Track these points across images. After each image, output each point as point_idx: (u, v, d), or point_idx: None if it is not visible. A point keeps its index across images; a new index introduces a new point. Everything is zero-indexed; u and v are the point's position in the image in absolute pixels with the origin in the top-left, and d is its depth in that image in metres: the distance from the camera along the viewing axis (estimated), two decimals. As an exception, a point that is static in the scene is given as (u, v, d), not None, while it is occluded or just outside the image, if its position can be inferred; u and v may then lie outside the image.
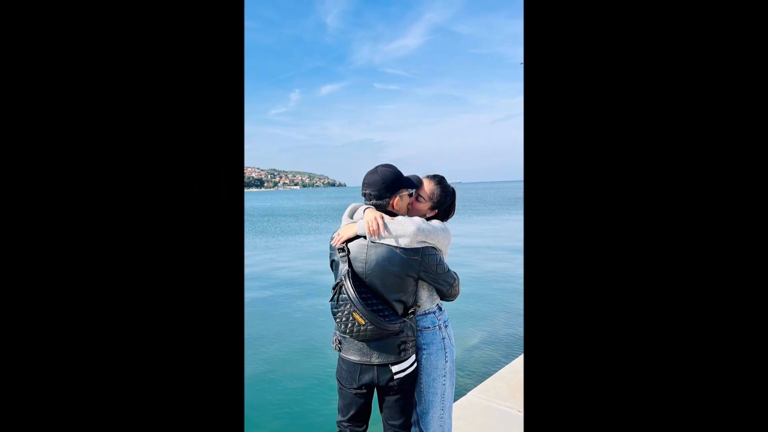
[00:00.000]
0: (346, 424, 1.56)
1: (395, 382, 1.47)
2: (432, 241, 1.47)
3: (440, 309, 1.61)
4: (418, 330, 1.55)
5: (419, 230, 1.44)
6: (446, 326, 1.60)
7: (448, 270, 1.52)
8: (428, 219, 1.58)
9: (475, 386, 2.89)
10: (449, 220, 1.67)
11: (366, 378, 1.49)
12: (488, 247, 12.25)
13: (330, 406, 3.46)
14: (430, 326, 1.56)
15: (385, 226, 1.44)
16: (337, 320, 1.45)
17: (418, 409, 1.58)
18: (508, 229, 16.69)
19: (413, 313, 1.52)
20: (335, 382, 1.60)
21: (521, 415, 2.49)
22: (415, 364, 1.53)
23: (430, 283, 1.52)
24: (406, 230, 1.44)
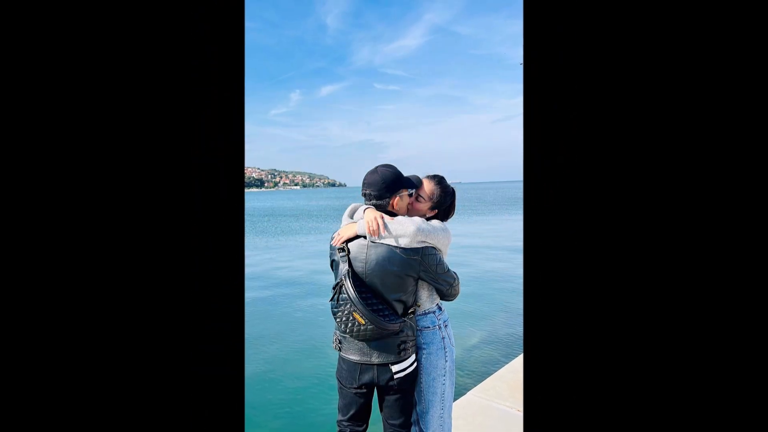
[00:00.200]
0: (346, 423, 1.56)
1: (395, 382, 1.47)
2: (432, 241, 1.47)
3: (440, 309, 1.61)
4: (418, 330, 1.55)
5: (419, 230, 1.44)
6: (446, 326, 1.60)
7: (448, 270, 1.52)
8: (428, 219, 1.58)
9: (475, 386, 2.89)
10: (449, 220, 1.68)
11: (366, 377, 1.49)
12: (488, 247, 12.25)
13: (330, 406, 3.46)
14: (430, 326, 1.57)
15: (385, 226, 1.45)
16: (338, 320, 1.46)
17: (417, 409, 1.58)
18: (508, 229, 16.69)
19: (413, 312, 1.52)
20: (335, 382, 1.60)
21: (521, 414, 2.49)
22: (415, 364, 1.53)
23: (430, 283, 1.52)
24: (406, 230, 1.44)
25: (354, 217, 1.59)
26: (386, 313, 1.43)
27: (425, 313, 1.57)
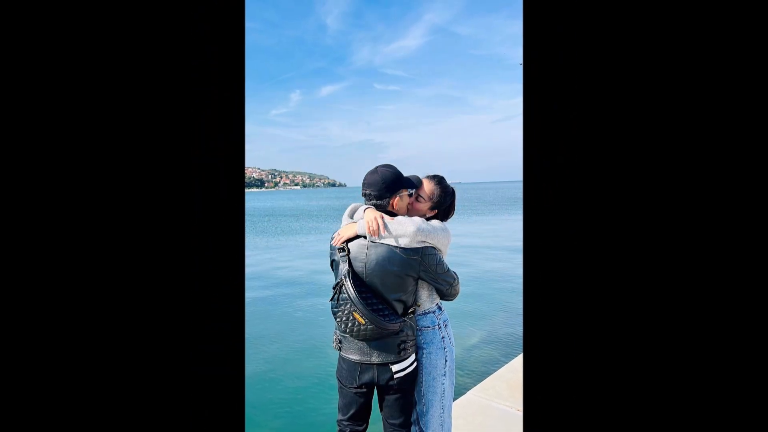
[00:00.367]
0: (346, 423, 1.57)
1: (395, 381, 1.48)
2: (432, 241, 1.48)
3: (440, 308, 1.62)
4: (417, 329, 1.55)
5: (419, 230, 1.45)
6: (446, 325, 1.61)
7: (448, 270, 1.52)
8: (428, 219, 1.58)
9: (475, 385, 2.89)
10: (449, 220, 1.68)
11: (366, 377, 1.49)
12: (487, 247, 12.25)
13: (330, 405, 3.46)
14: (430, 325, 1.57)
15: (385, 226, 1.45)
16: (338, 320, 1.46)
17: (417, 408, 1.58)
18: (508, 229, 16.69)
19: (413, 312, 1.53)
20: (335, 381, 1.60)
21: (520, 414, 2.49)
22: (415, 364, 1.53)
23: (429, 283, 1.52)
24: (406, 230, 1.44)
25: (354, 217, 1.59)
26: (386, 312, 1.43)
27: (425, 313, 1.57)
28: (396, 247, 1.44)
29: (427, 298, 1.57)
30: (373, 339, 1.44)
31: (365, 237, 1.47)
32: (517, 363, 3.20)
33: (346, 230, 1.52)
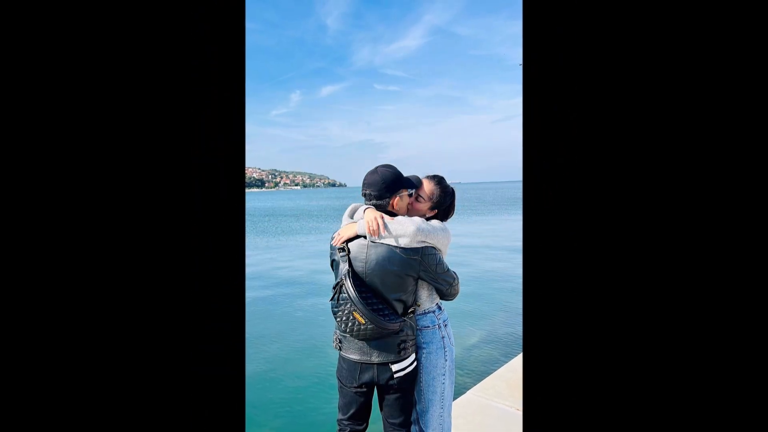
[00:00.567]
0: (346, 422, 1.57)
1: (395, 381, 1.48)
2: (432, 241, 1.48)
3: (440, 308, 1.62)
4: (417, 329, 1.56)
5: (419, 230, 1.45)
6: (446, 325, 1.61)
7: (448, 269, 1.52)
8: (428, 219, 1.58)
9: (475, 385, 2.90)
10: (449, 220, 1.68)
11: (366, 377, 1.49)
12: (487, 247, 12.26)
13: (331, 405, 3.46)
14: (430, 325, 1.57)
15: (385, 226, 1.45)
16: (338, 319, 1.46)
17: (417, 408, 1.58)
18: (507, 229, 16.69)
19: (413, 312, 1.53)
20: (336, 381, 1.60)
21: (520, 413, 2.49)
22: (415, 363, 1.53)
23: (429, 283, 1.52)
24: (405, 230, 1.44)
25: (354, 217, 1.59)
26: (386, 312, 1.43)
27: (425, 313, 1.57)
28: (396, 247, 1.44)
29: (427, 298, 1.57)
30: (373, 339, 1.44)
31: (365, 237, 1.47)
32: (517, 362, 3.21)
33: (346, 230, 1.52)
